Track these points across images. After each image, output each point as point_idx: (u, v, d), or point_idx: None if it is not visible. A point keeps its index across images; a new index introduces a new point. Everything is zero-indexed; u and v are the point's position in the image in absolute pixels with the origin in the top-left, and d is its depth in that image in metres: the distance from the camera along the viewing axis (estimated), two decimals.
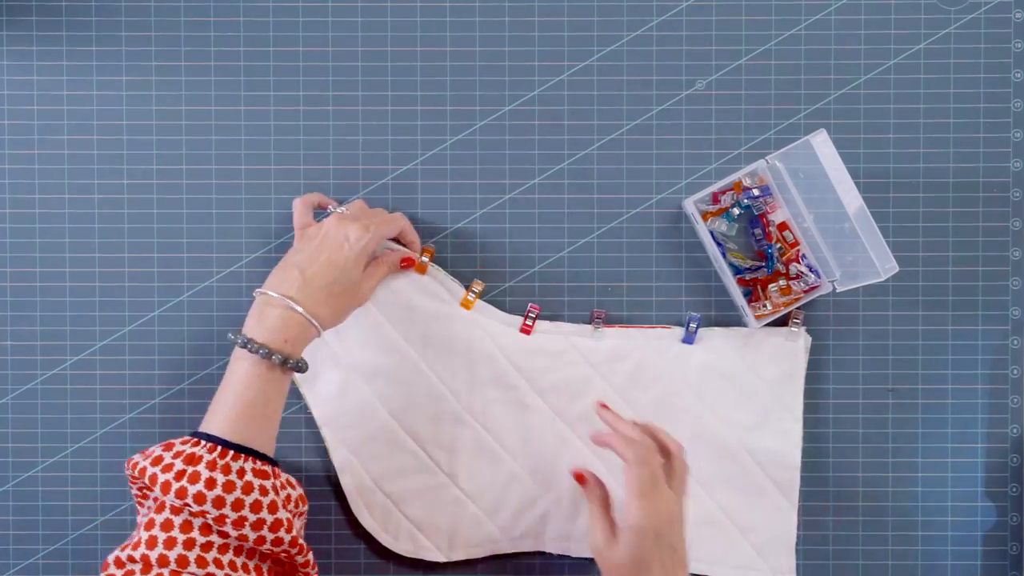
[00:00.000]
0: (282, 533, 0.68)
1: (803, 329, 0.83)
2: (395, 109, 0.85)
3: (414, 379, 0.82)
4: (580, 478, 0.77)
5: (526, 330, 0.83)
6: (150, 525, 0.67)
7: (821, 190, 0.78)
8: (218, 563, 0.67)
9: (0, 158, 0.84)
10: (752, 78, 0.84)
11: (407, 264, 0.81)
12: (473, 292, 0.83)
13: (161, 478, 0.66)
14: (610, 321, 0.84)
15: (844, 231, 0.78)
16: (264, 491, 0.68)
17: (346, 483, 0.82)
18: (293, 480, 0.72)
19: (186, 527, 0.67)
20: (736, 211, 0.82)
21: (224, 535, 0.67)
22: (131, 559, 0.66)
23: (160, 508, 0.67)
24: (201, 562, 0.66)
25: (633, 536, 0.69)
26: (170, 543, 0.66)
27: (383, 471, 0.82)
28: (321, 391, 0.82)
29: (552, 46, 0.84)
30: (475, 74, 0.84)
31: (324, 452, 0.83)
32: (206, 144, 0.84)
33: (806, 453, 0.83)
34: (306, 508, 0.73)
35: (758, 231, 0.83)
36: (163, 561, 0.65)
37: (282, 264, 0.75)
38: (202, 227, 0.84)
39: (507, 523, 0.83)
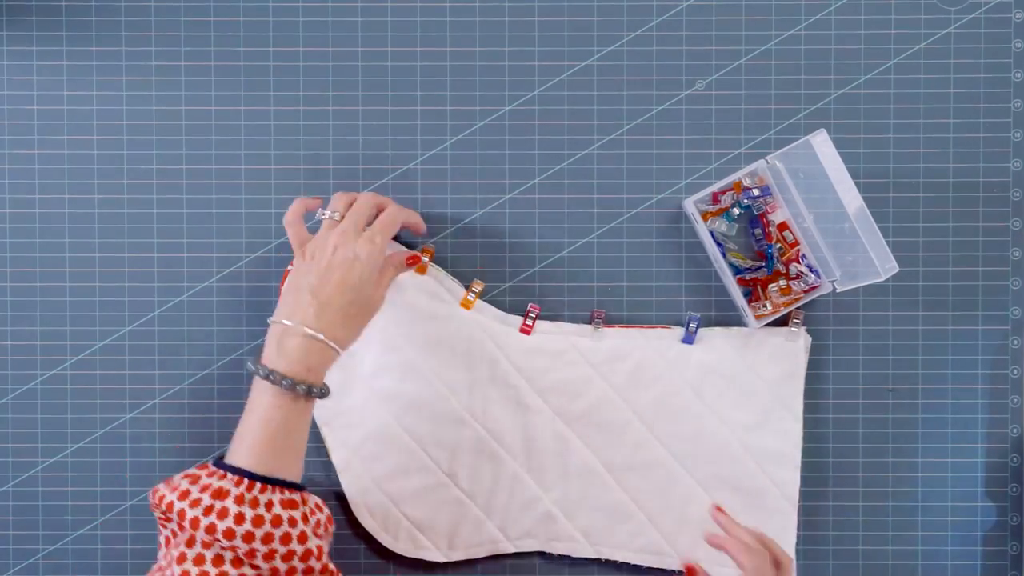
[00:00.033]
0: (312, 562, 0.68)
1: (803, 329, 0.83)
2: (395, 109, 0.84)
3: (414, 379, 0.82)
4: (691, 572, 0.75)
5: (526, 330, 0.83)
6: (182, 559, 0.66)
7: (821, 190, 0.78)
8: None
9: (0, 158, 0.84)
10: (752, 78, 0.84)
11: (413, 261, 0.80)
12: (473, 292, 0.83)
13: (190, 514, 0.66)
14: (610, 321, 0.84)
15: (844, 231, 0.78)
16: (293, 522, 0.68)
17: (346, 483, 0.82)
18: (320, 502, 0.72)
19: (218, 561, 0.66)
20: (736, 211, 0.82)
21: (256, 567, 0.67)
22: None
23: (191, 542, 0.67)
24: None
25: None
26: None
27: (383, 471, 0.82)
28: None
29: (552, 46, 0.84)
30: (475, 74, 0.84)
31: (324, 452, 0.83)
32: (206, 144, 0.84)
33: (806, 453, 0.83)
34: (333, 527, 0.73)
35: (758, 231, 0.83)
36: None
37: (292, 288, 0.73)
38: (202, 227, 0.84)
39: (507, 523, 0.83)
